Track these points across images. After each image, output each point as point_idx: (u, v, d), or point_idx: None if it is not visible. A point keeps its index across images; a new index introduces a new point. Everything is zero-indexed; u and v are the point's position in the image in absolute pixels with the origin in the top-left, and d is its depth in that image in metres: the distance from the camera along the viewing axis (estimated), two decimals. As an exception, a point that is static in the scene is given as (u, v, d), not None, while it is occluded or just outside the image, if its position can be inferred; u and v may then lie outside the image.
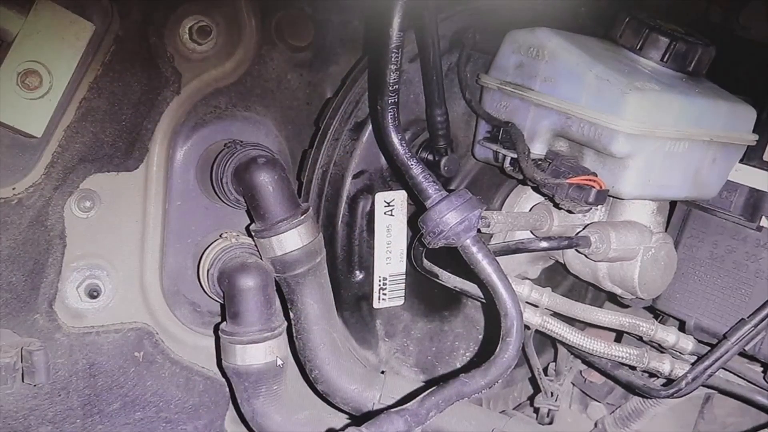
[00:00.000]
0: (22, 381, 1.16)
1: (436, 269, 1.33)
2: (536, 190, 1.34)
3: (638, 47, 1.24)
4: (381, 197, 1.34)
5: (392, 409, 0.99)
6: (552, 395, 1.51)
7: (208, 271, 1.23)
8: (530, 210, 1.39)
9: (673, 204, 1.39)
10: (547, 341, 1.58)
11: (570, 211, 1.22)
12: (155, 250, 1.25)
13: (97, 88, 1.15)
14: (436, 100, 1.26)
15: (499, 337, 1.07)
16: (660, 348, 1.35)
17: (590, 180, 1.16)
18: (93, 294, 1.21)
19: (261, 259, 1.21)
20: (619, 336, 1.50)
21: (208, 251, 1.25)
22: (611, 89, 1.13)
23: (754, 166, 1.32)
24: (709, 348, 1.29)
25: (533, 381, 1.63)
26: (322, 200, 1.33)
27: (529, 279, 1.41)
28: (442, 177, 1.32)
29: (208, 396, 1.36)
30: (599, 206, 1.32)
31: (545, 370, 1.54)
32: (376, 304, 1.40)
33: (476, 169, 1.42)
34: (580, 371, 1.58)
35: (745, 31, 1.42)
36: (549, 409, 1.51)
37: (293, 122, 1.37)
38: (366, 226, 1.35)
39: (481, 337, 1.56)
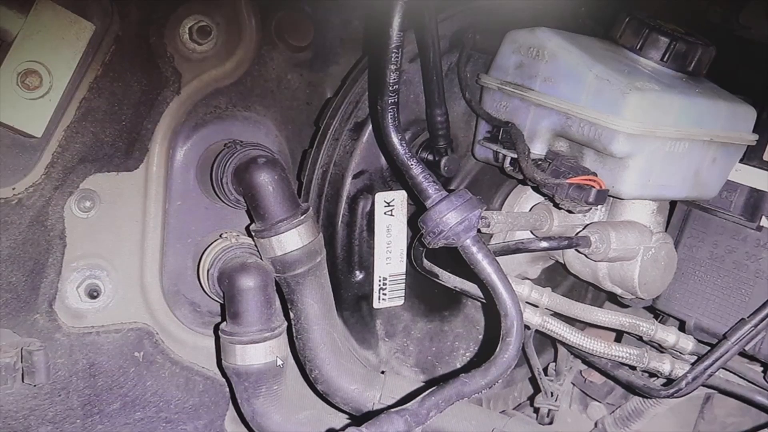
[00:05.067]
0: (22, 381, 1.16)
1: (436, 269, 1.33)
2: (536, 190, 1.34)
3: (638, 47, 1.24)
4: (381, 197, 1.34)
5: (392, 409, 0.99)
6: (552, 395, 1.51)
7: (208, 271, 1.23)
8: (530, 210, 1.39)
9: (673, 204, 1.39)
10: (547, 341, 1.58)
11: (570, 211, 1.22)
12: (155, 250, 1.25)
13: (97, 88, 1.15)
14: (436, 100, 1.26)
15: (499, 337, 1.07)
16: (660, 348, 1.35)
17: (590, 180, 1.16)
18: (93, 294, 1.21)
19: (261, 259, 1.21)
20: (619, 336, 1.50)
21: (208, 251, 1.25)
22: (611, 89, 1.13)
23: (754, 166, 1.32)
24: (709, 348, 1.29)
25: (533, 381, 1.63)
26: (322, 200, 1.33)
27: (529, 279, 1.42)
28: (442, 177, 1.32)
29: (208, 396, 1.36)
30: (599, 206, 1.32)
31: (545, 370, 1.54)
32: (376, 304, 1.40)
33: (476, 169, 1.42)
34: (580, 371, 1.58)
35: (745, 31, 1.42)
36: (549, 409, 1.51)
37: (293, 122, 1.37)
38: (366, 226, 1.35)
39: (481, 337, 1.56)
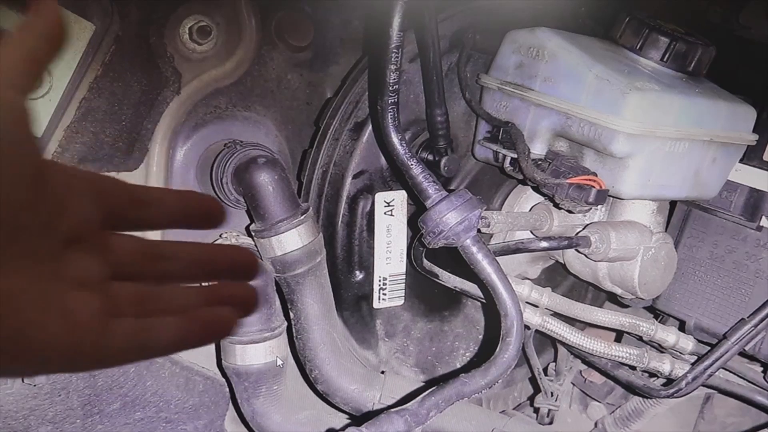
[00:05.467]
0: (22, 381, 1.16)
1: (436, 269, 1.33)
2: (536, 190, 1.34)
3: (638, 47, 1.24)
4: (381, 197, 1.34)
5: (392, 409, 0.99)
6: (552, 395, 1.51)
7: (208, 271, 1.23)
8: (530, 210, 1.39)
9: (673, 204, 1.39)
10: (547, 341, 1.58)
11: (570, 211, 1.22)
12: (155, 250, 1.25)
13: (97, 88, 1.15)
14: (436, 100, 1.26)
15: (499, 337, 1.08)
16: (660, 348, 1.35)
17: (590, 180, 1.16)
18: (93, 294, 1.21)
19: (261, 259, 1.21)
20: (619, 336, 1.50)
21: (208, 251, 1.24)
22: (611, 89, 1.13)
23: (754, 166, 1.32)
24: (709, 348, 1.29)
25: (533, 381, 1.63)
26: (322, 200, 1.33)
27: (529, 279, 1.42)
28: (442, 177, 1.31)
29: (208, 396, 1.36)
30: (599, 206, 1.32)
31: (545, 370, 1.54)
32: (376, 304, 1.40)
33: (476, 169, 1.42)
34: (580, 371, 1.58)
35: (745, 31, 1.42)
36: (549, 409, 1.51)
37: (293, 122, 1.37)
38: (366, 226, 1.35)
39: (481, 337, 1.56)
